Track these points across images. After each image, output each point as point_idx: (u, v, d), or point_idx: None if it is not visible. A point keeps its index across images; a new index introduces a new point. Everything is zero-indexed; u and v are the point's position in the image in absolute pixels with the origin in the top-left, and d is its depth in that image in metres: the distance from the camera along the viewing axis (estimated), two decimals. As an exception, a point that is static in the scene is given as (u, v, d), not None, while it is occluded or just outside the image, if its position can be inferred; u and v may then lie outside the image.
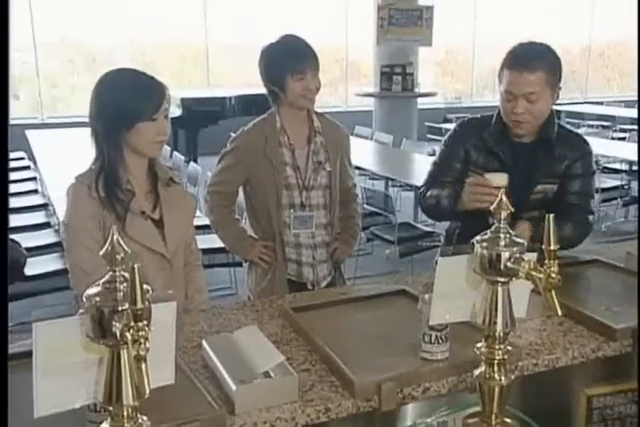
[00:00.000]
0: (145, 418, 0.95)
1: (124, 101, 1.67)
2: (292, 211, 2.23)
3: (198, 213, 2.61)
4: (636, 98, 5.68)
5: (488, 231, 1.13)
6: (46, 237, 3.89)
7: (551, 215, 1.05)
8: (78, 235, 1.69)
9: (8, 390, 1.14)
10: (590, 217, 2.09)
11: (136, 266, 0.86)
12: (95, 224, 1.67)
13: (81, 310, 0.92)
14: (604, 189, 5.32)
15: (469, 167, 2.07)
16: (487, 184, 1.82)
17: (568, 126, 2.18)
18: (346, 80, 10.92)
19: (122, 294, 0.90)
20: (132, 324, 0.87)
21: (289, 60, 2.13)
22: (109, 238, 0.92)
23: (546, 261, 1.05)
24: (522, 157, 2.03)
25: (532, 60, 1.93)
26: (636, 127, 7.53)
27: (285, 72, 2.12)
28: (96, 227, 1.67)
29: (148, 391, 0.90)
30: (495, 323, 1.13)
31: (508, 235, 1.11)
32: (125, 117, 1.67)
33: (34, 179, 5.38)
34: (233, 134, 2.31)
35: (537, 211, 1.98)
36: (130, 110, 1.67)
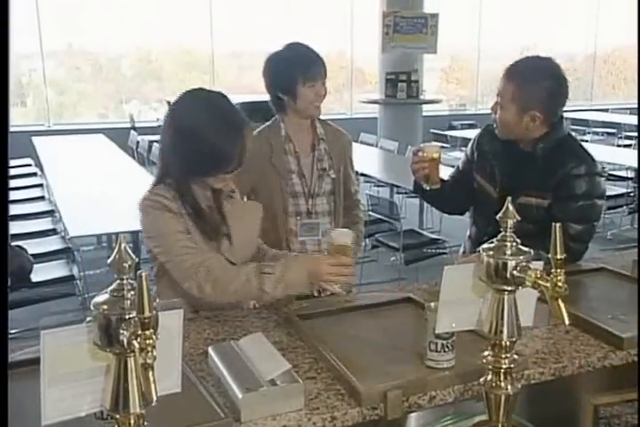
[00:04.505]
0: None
1: (215, 152, 1.63)
2: (298, 218, 2.23)
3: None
4: (641, 105, 5.66)
5: (494, 240, 1.14)
6: (52, 244, 3.90)
7: (557, 225, 1.05)
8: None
9: (15, 398, 1.14)
10: (574, 245, 1.92)
11: (144, 274, 0.87)
12: None
13: (88, 318, 0.93)
14: (609, 197, 5.30)
15: (474, 168, 2.16)
16: (423, 157, 2.02)
17: (580, 142, 2.08)
18: (351, 87, 10.94)
19: (129, 302, 0.90)
20: (140, 332, 0.87)
21: (300, 68, 2.12)
22: (117, 247, 0.92)
23: (552, 270, 1.05)
24: (514, 166, 2.04)
25: (514, 71, 1.97)
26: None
27: (297, 79, 2.12)
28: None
29: (154, 399, 0.90)
30: (501, 331, 1.12)
31: (514, 243, 1.12)
32: (213, 167, 1.66)
33: (40, 185, 5.40)
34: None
35: (531, 224, 1.81)
36: (222, 161, 1.64)
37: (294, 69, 2.12)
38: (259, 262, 1.70)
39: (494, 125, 2.06)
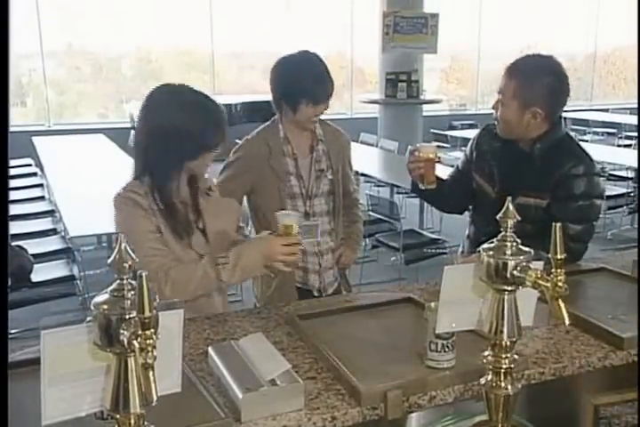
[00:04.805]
0: (152, 426, 0.96)
1: (197, 131, 1.66)
2: None
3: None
4: (641, 105, 5.66)
5: (494, 240, 1.13)
6: (53, 244, 3.90)
7: (557, 225, 1.05)
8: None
9: (16, 398, 1.14)
10: (573, 245, 1.91)
11: (144, 274, 0.87)
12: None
13: (89, 318, 0.93)
14: (609, 197, 5.30)
15: (473, 168, 2.16)
16: (418, 156, 2.03)
17: (578, 142, 2.07)
18: (351, 87, 10.95)
19: (129, 302, 0.90)
20: (140, 332, 0.87)
21: (308, 90, 2.09)
22: (117, 247, 0.92)
23: (552, 270, 1.05)
24: (512, 166, 2.04)
25: (515, 68, 1.97)
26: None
27: (301, 99, 2.10)
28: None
29: (155, 399, 0.90)
30: (501, 331, 1.12)
31: (514, 243, 1.11)
32: (197, 147, 1.69)
33: (40, 185, 5.40)
34: (238, 141, 2.32)
35: (529, 225, 1.75)
36: (202, 141, 1.68)
37: (301, 90, 2.10)
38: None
39: (495, 123, 2.06)
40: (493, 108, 2.03)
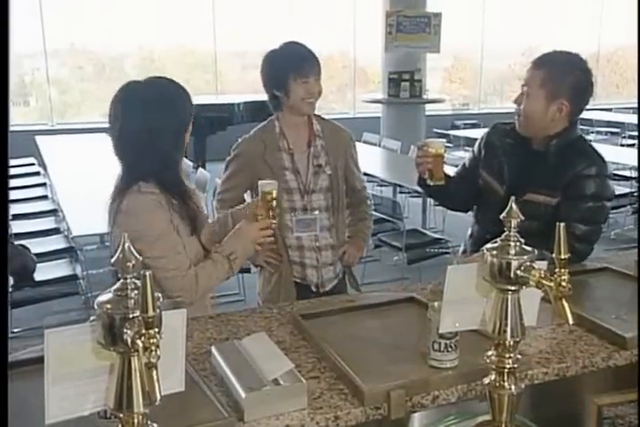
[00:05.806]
0: (155, 425, 0.96)
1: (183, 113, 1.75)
2: (293, 214, 2.25)
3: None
4: (643, 105, 5.64)
5: (498, 239, 1.13)
6: (55, 243, 3.90)
7: (561, 224, 1.04)
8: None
9: (19, 397, 1.14)
10: (579, 245, 1.92)
11: (147, 273, 0.87)
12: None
13: (92, 317, 0.93)
14: (612, 196, 5.27)
15: (480, 165, 2.16)
16: (427, 151, 2.02)
17: (592, 144, 2.08)
18: (354, 86, 10.94)
19: (133, 301, 0.90)
20: (143, 331, 0.87)
21: (293, 64, 2.17)
22: (121, 246, 0.92)
23: (556, 270, 1.05)
24: (523, 163, 2.04)
25: (544, 59, 1.97)
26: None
27: (289, 75, 2.16)
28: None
29: (158, 398, 0.90)
30: (505, 331, 1.12)
31: (518, 243, 1.11)
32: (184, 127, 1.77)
33: (43, 185, 5.40)
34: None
35: (536, 222, 1.78)
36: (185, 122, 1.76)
37: (287, 66, 2.17)
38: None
39: (516, 117, 2.03)
40: (516, 101, 2.01)
